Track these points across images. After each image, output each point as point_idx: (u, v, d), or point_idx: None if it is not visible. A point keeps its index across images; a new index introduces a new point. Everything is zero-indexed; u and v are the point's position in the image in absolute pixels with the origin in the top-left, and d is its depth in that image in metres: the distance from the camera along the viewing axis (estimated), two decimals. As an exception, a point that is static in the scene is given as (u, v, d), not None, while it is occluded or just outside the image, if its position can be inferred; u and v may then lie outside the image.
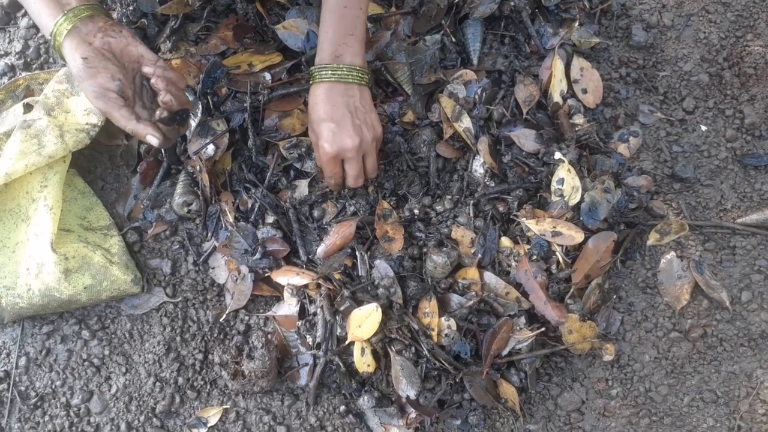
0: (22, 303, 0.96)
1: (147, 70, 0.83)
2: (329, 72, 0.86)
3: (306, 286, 0.98)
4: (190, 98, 0.99)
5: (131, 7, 1.05)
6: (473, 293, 0.95)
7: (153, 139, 0.84)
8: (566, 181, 0.97)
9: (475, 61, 1.05)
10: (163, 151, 1.02)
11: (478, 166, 1.01)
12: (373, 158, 0.92)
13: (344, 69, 0.86)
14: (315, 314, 0.99)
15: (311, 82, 0.89)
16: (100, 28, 0.81)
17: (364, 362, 0.94)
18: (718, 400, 1.00)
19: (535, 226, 0.96)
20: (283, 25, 1.02)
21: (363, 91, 0.89)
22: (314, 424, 0.99)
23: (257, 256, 0.98)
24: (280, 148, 1.00)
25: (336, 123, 0.87)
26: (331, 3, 0.87)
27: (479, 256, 0.96)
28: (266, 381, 0.96)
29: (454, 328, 0.93)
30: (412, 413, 0.95)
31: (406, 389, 0.92)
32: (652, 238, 1.03)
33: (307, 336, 1.00)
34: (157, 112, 0.84)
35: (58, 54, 0.83)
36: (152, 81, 0.83)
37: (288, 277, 0.98)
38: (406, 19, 1.05)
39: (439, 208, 1.00)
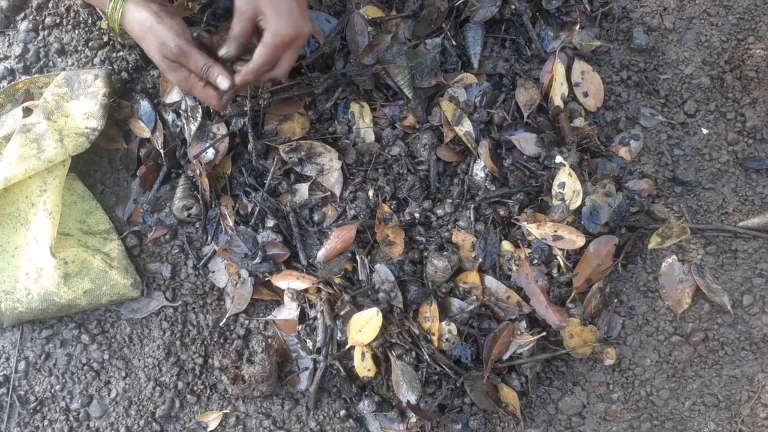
0: (21, 307, 0.96)
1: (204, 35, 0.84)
2: None
3: (306, 290, 0.98)
4: (189, 102, 0.98)
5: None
6: (474, 297, 0.95)
7: (224, 81, 0.81)
8: (567, 185, 0.97)
9: (475, 65, 1.04)
10: (162, 155, 1.02)
11: (479, 170, 1.01)
12: (296, 57, 0.84)
13: None
14: (315, 318, 0.98)
15: None
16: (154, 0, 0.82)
17: (364, 367, 0.94)
18: (720, 404, 1.00)
19: (536, 230, 0.96)
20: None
21: None
22: (314, 429, 0.98)
23: (257, 260, 0.97)
24: (280, 151, 1.00)
25: (299, 4, 0.78)
26: None
27: (480, 260, 0.96)
28: (266, 385, 0.96)
29: (455, 332, 0.92)
30: (413, 418, 0.95)
31: (407, 394, 0.91)
32: (654, 242, 1.03)
33: (308, 340, 0.99)
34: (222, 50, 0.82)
35: (116, 18, 0.81)
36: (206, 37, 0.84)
37: (288, 282, 0.97)
38: (407, 22, 1.04)
39: (439, 212, 1.00)
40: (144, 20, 0.80)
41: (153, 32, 0.80)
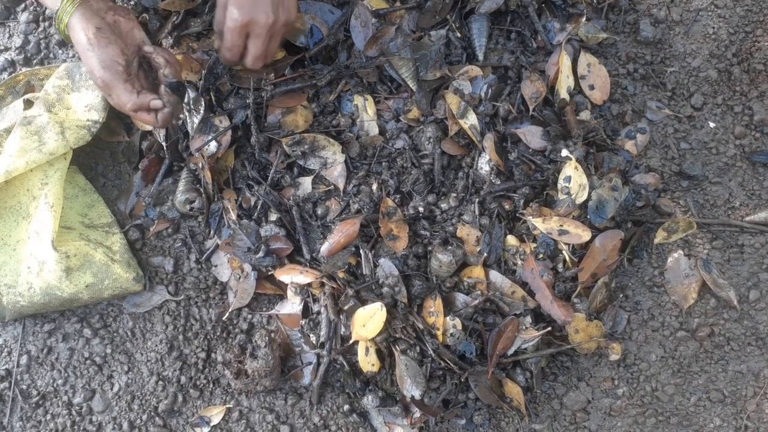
0: (23, 301, 0.96)
1: (148, 49, 0.86)
2: None
3: (310, 284, 0.97)
4: (192, 94, 0.97)
5: (132, 2, 1.04)
6: (479, 292, 0.94)
7: (157, 102, 0.84)
8: (573, 179, 0.96)
9: (480, 57, 1.03)
10: (165, 148, 1.01)
11: (484, 164, 1.00)
12: (277, 42, 0.89)
13: None
14: (319, 313, 0.98)
15: None
16: (110, 7, 0.83)
17: (368, 362, 0.93)
18: (725, 400, 0.99)
19: (542, 224, 0.95)
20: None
21: None
22: (318, 424, 0.98)
23: (260, 254, 0.97)
24: (283, 144, 0.99)
25: None
26: None
27: (485, 254, 0.95)
28: (269, 380, 0.95)
29: (460, 327, 0.92)
30: (417, 413, 0.95)
31: (411, 389, 0.91)
32: (660, 237, 1.02)
33: (311, 335, 0.99)
34: (162, 87, 0.86)
35: (62, 28, 0.83)
36: (153, 56, 0.86)
37: (291, 276, 0.97)
38: (411, 14, 1.03)
39: (444, 206, 0.99)
40: (79, 42, 0.81)
41: (85, 58, 0.82)
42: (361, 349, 0.93)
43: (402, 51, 0.99)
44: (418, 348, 0.92)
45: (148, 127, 1.02)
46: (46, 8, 1.06)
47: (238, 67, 0.97)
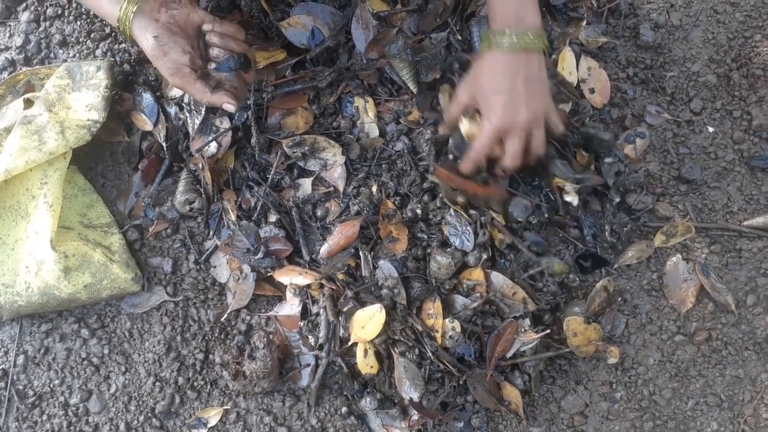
0: (21, 301, 0.95)
1: (206, 27, 0.84)
2: (513, 38, 0.77)
3: (309, 286, 0.97)
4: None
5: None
6: (478, 294, 0.94)
7: (229, 107, 0.83)
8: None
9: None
10: (165, 148, 1.01)
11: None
12: (541, 133, 0.84)
13: (530, 35, 0.77)
14: (317, 315, 0.98)
15: (488, 46, 0.79)
16: (162, 2, 0.82)
17: (366, 363, 0.93)
18: (723, 404, 1.00)
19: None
20: (287, 22, 1.01)
21: (542, 59, 0.81)
22: (315, 426, 0.98)
23: (259, 255, 0.97)
24: (283, 146, 0.99)
25: (512, 96, 0.79)
26: None
27: (484, 256, 0.95)
28: (267, 382, 0.95)
29: (459, 330, 0.92)
30: (415, 415, 0.95)
31: (410, 391, 0.91)
32: (658, 241, 1.02)
33: (310, 336, 0.99)
34: (210, 65, 0.85)
35: (129, 39, 0.83)
36: (207, 37, 0.84)
37: (290, 277, 0.97)
38: (412, 17, 1.03)
39: (439, 206, 0.99)
40: (146, 49, 0.81)
41: (155, 63, 0.82)
42: (359, 351, 0.93)
43: (403, 53, 0.99)
44: (416, 350, 0.92)
45: (148, 128, 1.02)
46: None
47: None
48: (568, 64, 1.01)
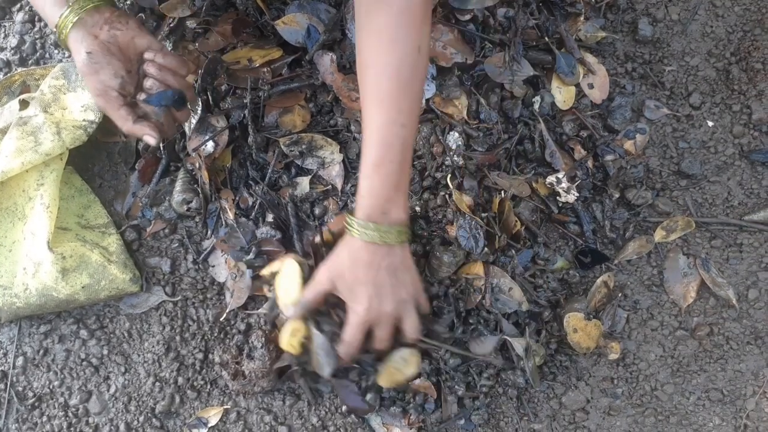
0: (19, 303, 0.95)
1: (147, 56, 0.82)
2: (376, 234, 0.77)
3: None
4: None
5: (129, 1, 1.03)
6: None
7: (150, 139, 0.82)
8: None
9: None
10: (161, 148, 1.01)
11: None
12: (412, 318, 0.83)
13: (393, 232, 0.77)
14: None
15: (350, 231, 0.79)
16: (106, 19, 0.79)
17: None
18: (725, 399, 0.99)
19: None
20: (282, 21, 1.00)
21: (405, 249, 0.81)
22: (316, 424, 0.97)
23: (251, 255, 0.96)
24: (280, 144, 0.99)
25: (377, 287, 0.79)
26: (374, 155, 0.75)
27: (491, 258, 0.95)
28: (267, 381, 0.95)
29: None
30: (413, 414, 0.94)
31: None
32: (658, 236, 1.02)
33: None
34: (139, 95, 0.82)
35: (64, 47, 0.81)
36: (144, 65, 0.82)
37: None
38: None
39: (440, 204, 0.98)
40: (77, 62, 0.79)
41: (84, 78, 0.80)
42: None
43: None
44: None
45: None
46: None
47: None
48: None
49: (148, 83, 0.82)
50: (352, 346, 0.83)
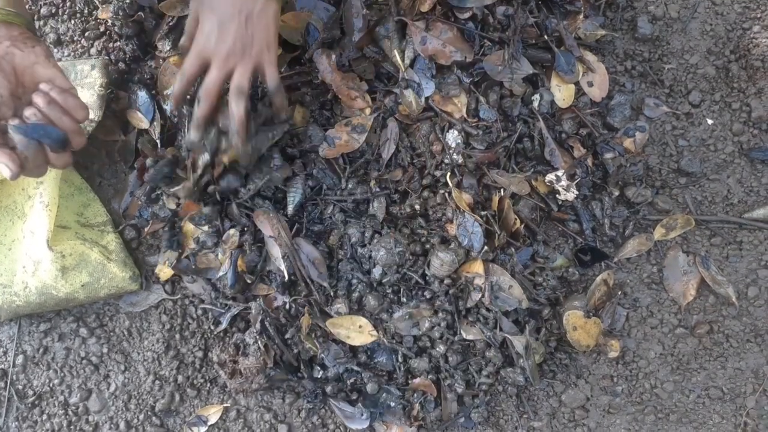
0: (18, 301, 0.95)
1: (42, 86, 0.75)
2: None
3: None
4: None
5: (128, 0, 1.03)
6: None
7: (5, 170, 0.72)
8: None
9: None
10: (160, 146, 1.01)
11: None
12: (242, 73, 0.79)
13: None
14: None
15: None
16: (12, 36, 0.75)
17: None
18: (725, 397, 0.99)
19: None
20: (282, 19, 1.00)
21: (277, 8, 0.80)
22: (316, 422, 0.97)
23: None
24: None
25: (225, 22, 0.77)
26: None
27: (490, 256, 0.95)
28: (263, 377, 0.95)
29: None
30: (414, 410, 0.94)
31: None
32: (658, 233, 1.02)
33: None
34: (11, 120, 0.73)
35: None
36: (33, 95, 0.75)
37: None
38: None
39: (439, 202, 0.98)
40: None
41: None
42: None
43: (391, 33, 0.98)
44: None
45: (144, 126, 1.02)
46: None
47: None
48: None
49: (27, 112, 0.74)
50: (183, 79, 0.80)
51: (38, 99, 0.74)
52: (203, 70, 0.80)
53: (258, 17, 0.78)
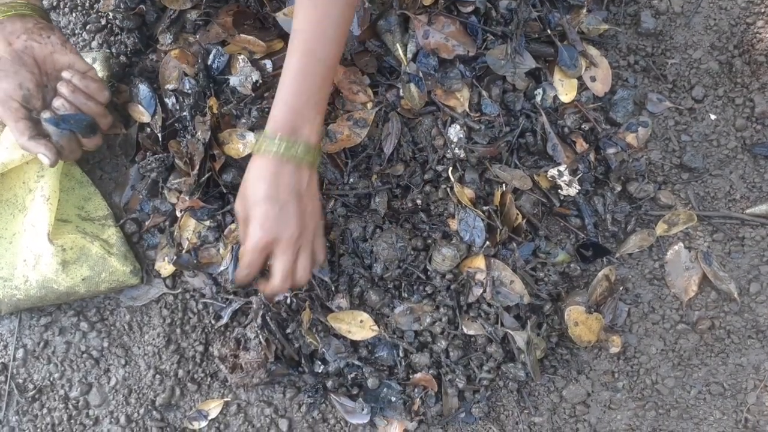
0: (19, 295, 0.95)
1: (64, 75, 0.78)
2: (282, 146, 0.73)
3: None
4: (188, 85, 0.96)
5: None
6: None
7: (44, 159, 0.78)
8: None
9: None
10: (161, 140, 1.00)
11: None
12: (306, 255, 0.78)
13: (300, 148, 0.73)
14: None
15: (257, 149, 0.75)
16: (27, 29, 0.77)
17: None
18: (726, 393, 0.99)
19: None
20: (284, 12, 1.00)
21: (313, 175, 0.77)
22: (316, 417, 0.97)
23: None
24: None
25: (279, 207, 0.73)
26: (295, 62, 0.73)
27: (492, 251, 0.95)
28: (264, 371, 0.95)
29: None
30: (415, 404, 0.94)
31: None
32: (660, 229, 1.01)
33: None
34: (43, 113, 0.78)
35: None
36: (58, 84, 0.78)
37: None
38: None
39: (441, 197, 0.98)
40: None
41: None
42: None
43: (393, 27, 0.97)
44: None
45: (146, 119, 1.01)
46: None
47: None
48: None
49: (56, 103, 0.79)
50: (249, 272, 0.77)
51: (63, 89, 0.79)
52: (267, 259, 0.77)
53: (307, 188, 0.76)
